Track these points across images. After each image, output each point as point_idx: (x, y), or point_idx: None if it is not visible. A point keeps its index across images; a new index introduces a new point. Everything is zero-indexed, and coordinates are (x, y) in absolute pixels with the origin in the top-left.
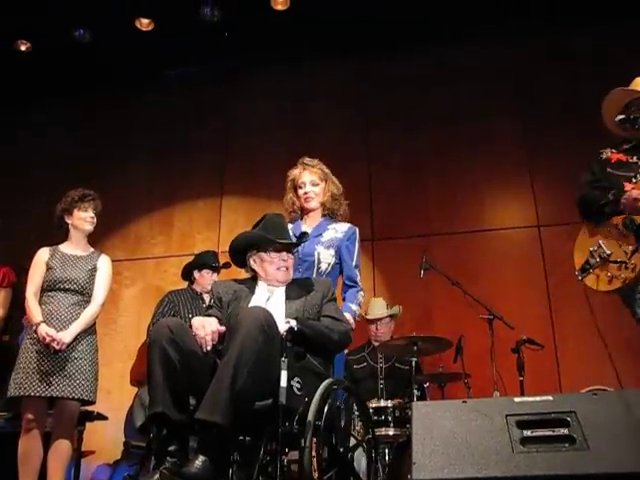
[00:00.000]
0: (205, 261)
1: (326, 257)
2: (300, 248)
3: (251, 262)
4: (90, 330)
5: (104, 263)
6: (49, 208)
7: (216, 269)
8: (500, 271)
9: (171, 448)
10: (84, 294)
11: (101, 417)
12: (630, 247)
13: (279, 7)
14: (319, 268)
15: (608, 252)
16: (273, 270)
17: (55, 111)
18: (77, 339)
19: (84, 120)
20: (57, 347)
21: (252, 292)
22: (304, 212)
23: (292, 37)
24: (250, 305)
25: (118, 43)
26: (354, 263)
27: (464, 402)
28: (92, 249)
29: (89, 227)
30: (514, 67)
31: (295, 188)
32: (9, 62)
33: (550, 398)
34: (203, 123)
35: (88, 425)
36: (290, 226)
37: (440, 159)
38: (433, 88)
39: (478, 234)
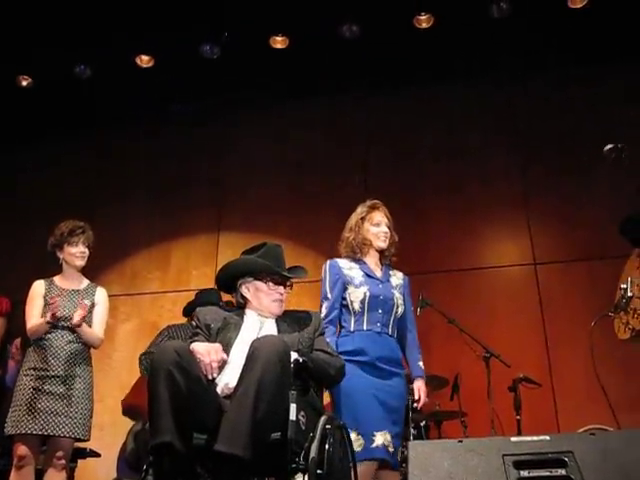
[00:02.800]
0: (211, 300)
1: (401, 302)
2: (382, 289)
3: (243, 289)
4: (87, 367)
5: (102, 297)
6: (47, 241)
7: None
8: (497, 309)
9: None
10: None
11: (94, 454)
12: None
13: (278, 45)
14: (396, 312)
15: (630, 295)
16: (269, 301)
17: (55, 146)
18: (73, 376)
19: (83, 154)
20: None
21: (242, 321)
22: (364, 252)
23: (290, 74)
24: (241, 335)
25: (118, 79)
26: (412, 308)
27: (460, 442)
28: (87, 281)
29: (80, 262)
30: (512, 107)
31: (362, 226)
32: (9, 99)
33: (547, 438)
34: (202, 159)
35: (80, 462)
36: (353, 265)
37: (438, 197)
38: (432, 125)
39: (475, 272)
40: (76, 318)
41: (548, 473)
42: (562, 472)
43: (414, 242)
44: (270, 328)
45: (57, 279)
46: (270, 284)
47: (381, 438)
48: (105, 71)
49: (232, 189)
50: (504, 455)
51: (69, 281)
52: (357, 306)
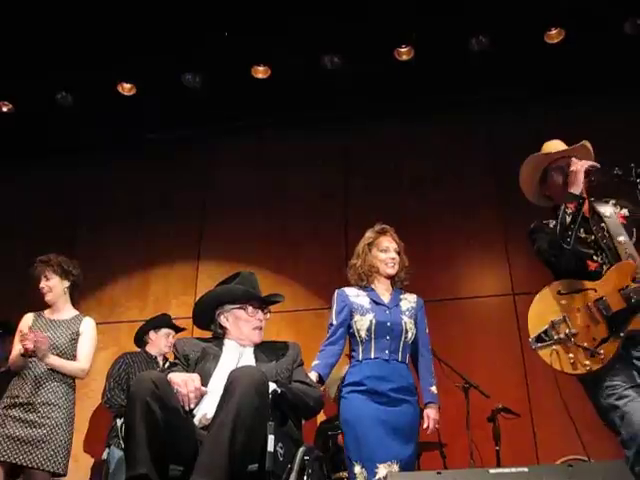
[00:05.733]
0: (163, 320)
1: (411, 327)
2: (389, 315)
3: (222, 319)
4: (68, 397)
5: (86, 327)
6: (26, 267)
7: (175, 328)
8: (475, 339)
9: None
10: (65, 359)
11: None
12: (599, 334)
13: (260, 75)
14: (406, 337)
15: (574, 331)
16: (249, 330)
17: (35, 172)
18: (51, 404)
19: (66, 181)
20: (30, 345)
21: (221, 351)
22: (372, 279)
23: (271, 104)
24: (220, 365)
25: (100, 106)
26: (427, 330)
27: (439, 473)
28: (76, 312)
29: (47, 298)
30: (490, 138)
31: (369, 252)
32: None
33: (525, 470)
34: (182, 187)
35: None
36: (361, 292)
37: (416, 227)
38: (410, 157)
39: (453, 302)
40: (28, 345)
41: None
42: None
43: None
44: (248, 358)
45: (47, 311)
46: (249, 310)
47: (384, 470)
48: (87, 98)
49: (212, 218)
50: None
51: (56, 313)
52: (364, 334)
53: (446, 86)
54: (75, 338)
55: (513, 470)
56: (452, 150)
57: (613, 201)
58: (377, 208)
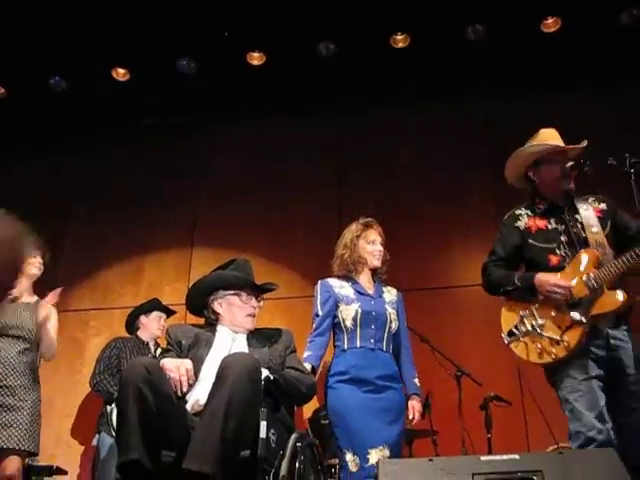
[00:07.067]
0: (153, 304)
1: (394, 318)
2: (374, 305)
3: (215, 305)
4: (36, 381)
5: (53, 311)
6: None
7: (166, 311)
8: (468, 327)
9: None
10: (31, 342)
11: (60, 471)
12: (565, 322)
13: (255, 62)
14: (390, 327)
15: (540, 322)
16: (242, 316)
17: (32, 156)
18: (23, 387)
19: (60, 167)
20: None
21: (214, 337)
22: (358, 270)
23: (266, 92)
24: (212, 351)
25: (94, 91)
26: (406, 324)
27: (431, 460)
28: (36, 297)
29: (36, 271)
30: (484, 124)
31: (357, 243)
32: None
33: (517, 457)
34: (176, 174)
35: None
36: (344, 283)
37: (411, 216)
38: (405, 143)
39: (447, 290)
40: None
41: None
42: None
43: (389, 260)
44: (241, 344)
45: (15, 292)
46: (243, 296)
47: (376, 455)
48: (81, 84)
49: (206, 204)
50: (474, 474)
51: (21, 294)
52: (349, 323)
53: (443, 75)
54: (38, 322)
55: (504, 457)
56: (447, 139)
57: (593, 198)
58: (371, 196)
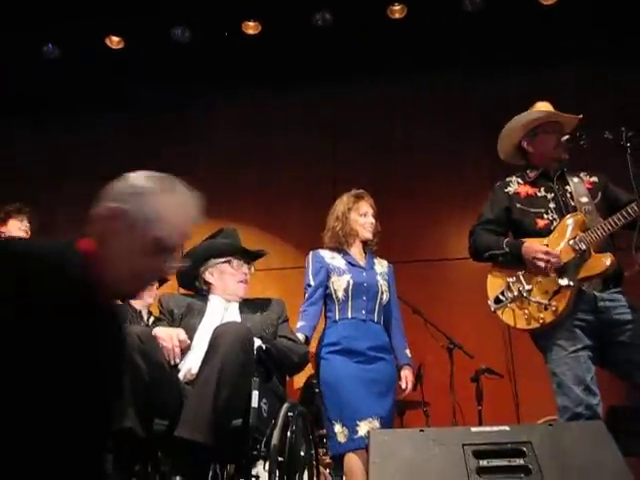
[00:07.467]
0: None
1: (385, 289)
2: (366, 276)
3: (207, 274)
4: None
5: None
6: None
7: (159, 279)
8: (460, 300)
9: (136, 468)
10: None
11: None
12: (552, 286)
13: (250, 32)
14: (381, 298)
15: (527, 288)
16: (234, 283)
17: (23, 126)
18: None
19: (51, 137)
20: None
21: (206, 306)
22: (350, 243)
23: (261, 62)
24: (205, 320)
25: (87, 60)
26: (396, 295)
27: (422, 431)
28: None
29: (24, 235)
30: (481, 99)
31: (349, 215)
32: None
33: (507, 428)
34: (170, 145)
35: None
36: (336, 255)
37: (405, 188)
38: (400, 115)
39: (440, 262)
40: None
41: (507, 463)
42: (520, 462)
43: (381, 231)
44: (233, 314)
45: None
46: (234, 263)
47: (365, 427)
48: (74, 51)
49: (200, 176)
50: (464, 445)
51: None
52: (341, 294)
53: (440, 47)
54: None
55: (494, 429)
56: (442, 111)
57: (585, 172)
58: (366, 168)
